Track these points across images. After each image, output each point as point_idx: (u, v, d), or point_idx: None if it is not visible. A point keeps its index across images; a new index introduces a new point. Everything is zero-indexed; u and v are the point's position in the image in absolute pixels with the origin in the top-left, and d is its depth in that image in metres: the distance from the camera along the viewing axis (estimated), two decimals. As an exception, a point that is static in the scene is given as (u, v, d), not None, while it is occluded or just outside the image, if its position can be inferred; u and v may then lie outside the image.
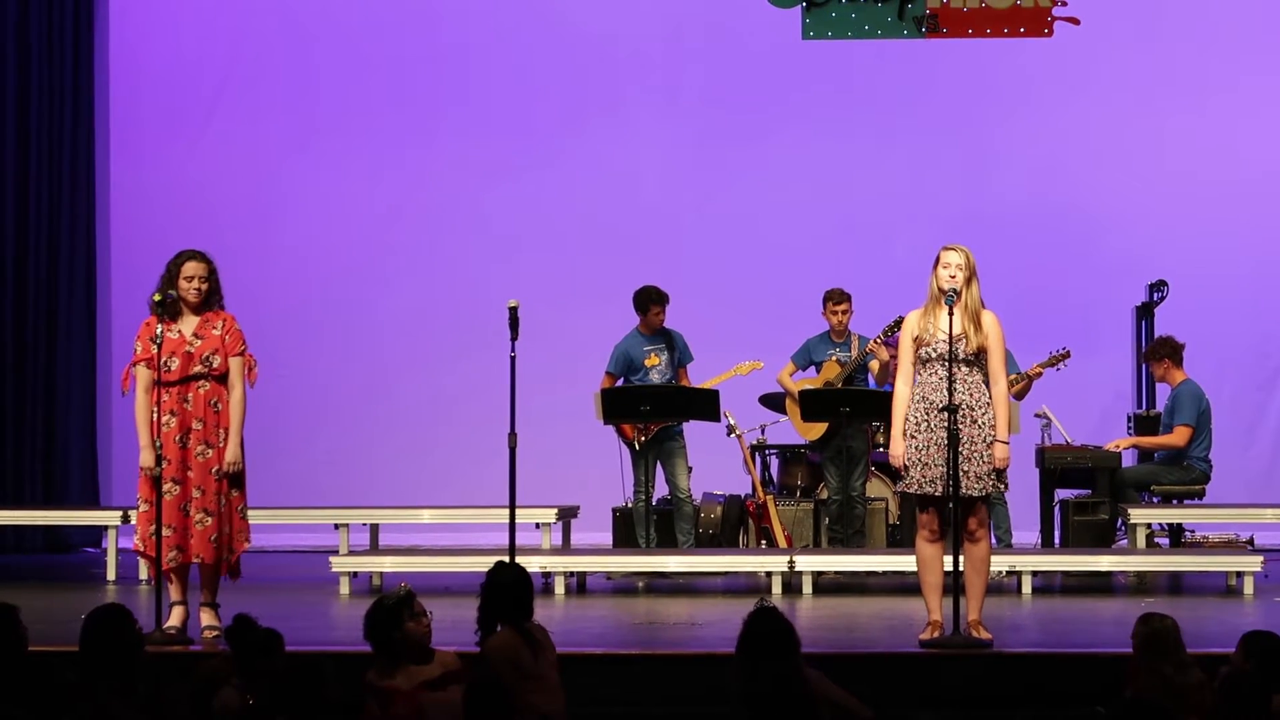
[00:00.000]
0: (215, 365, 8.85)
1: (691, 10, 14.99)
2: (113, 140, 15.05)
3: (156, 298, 8.80)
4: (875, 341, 12.17)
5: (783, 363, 12.55)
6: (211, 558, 8.83)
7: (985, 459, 8.45)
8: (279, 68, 15.14)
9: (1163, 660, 6.58)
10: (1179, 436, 12.35)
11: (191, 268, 8.87)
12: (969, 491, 8.45)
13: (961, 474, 8.38)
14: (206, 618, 8.88)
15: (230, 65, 15.16)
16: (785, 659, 6.12)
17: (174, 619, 8.82)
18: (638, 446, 12.16)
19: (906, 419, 8.53)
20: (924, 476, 8.48)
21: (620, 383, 12.37)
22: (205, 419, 8.83)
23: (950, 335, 8.42)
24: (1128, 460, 12.71)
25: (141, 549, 8.91)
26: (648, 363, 12.33)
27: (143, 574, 11.51)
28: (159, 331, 8.73)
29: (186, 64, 15.14)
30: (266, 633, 6.52)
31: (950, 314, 8.41)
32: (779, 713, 5.95)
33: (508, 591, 6.86)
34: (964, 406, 8.42)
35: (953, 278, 8.47)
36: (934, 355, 8.48)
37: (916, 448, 8.49)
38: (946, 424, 8.36)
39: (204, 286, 8.87)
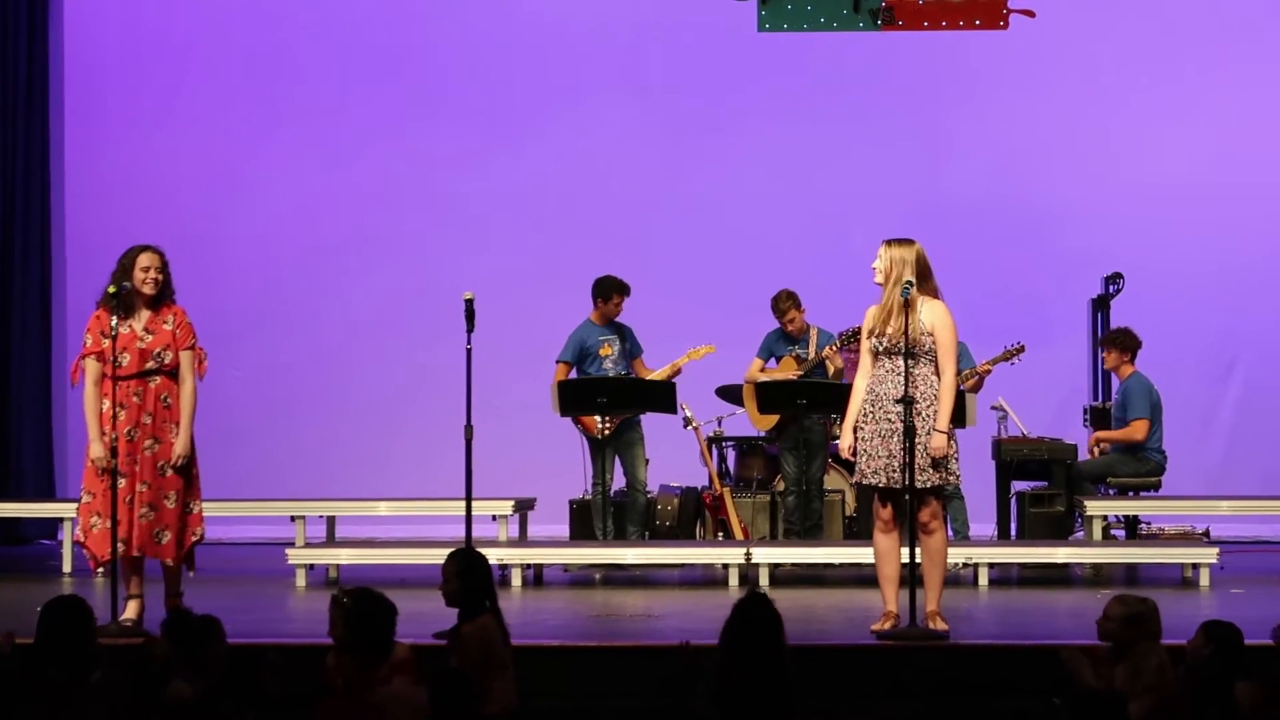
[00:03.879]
0: (167, 361, 8.83)
1: (650, 1, 14.97)
2: (67, 131, 14.94)
3: (111, 289, 8.75)
4: (831, 349, 12.21)
5: (742, 353, 12.53)
6: (158, 553, 8.81)
7: (929, 451, 8.48)
8: (239, 56, 15.04)
9: (1155, 640, 6.51)
10: (1137, 430, 12.40)
11: (147, 259, 8.86)
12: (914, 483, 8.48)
13: (906, 466, 8.41)
14: (171, 612, 8.84)
15: (188, 53, 15.05)
16: (771, 648, 6.11)
17: (129, 612, 8.79)
18: (601, 438, 12.14)
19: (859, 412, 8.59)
20: (868, 468, 8.54)
21: (574, 372, 12.36)
22: (155, 413, 8.81)
23: (906, 330, 8.44)
24: (1083, 452, 12.76)
25: (83, 539, 8.86)
26: (602, 352, 12.32)
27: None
28: (114, 324, 8.70)
29: (143, 52, 15.03)
30: (203, 619, 6.48)
31: (905, 308, 8.44)
32: (756, 704, 5.92)
33: (487, 577, 6.86)
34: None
35: (875, 273, 8.56)
36: (880, 349, 8.54)
37: (862, 439, 8.55)
38: (896, 416, 8.41)
39: (159, 278, 8.87)
